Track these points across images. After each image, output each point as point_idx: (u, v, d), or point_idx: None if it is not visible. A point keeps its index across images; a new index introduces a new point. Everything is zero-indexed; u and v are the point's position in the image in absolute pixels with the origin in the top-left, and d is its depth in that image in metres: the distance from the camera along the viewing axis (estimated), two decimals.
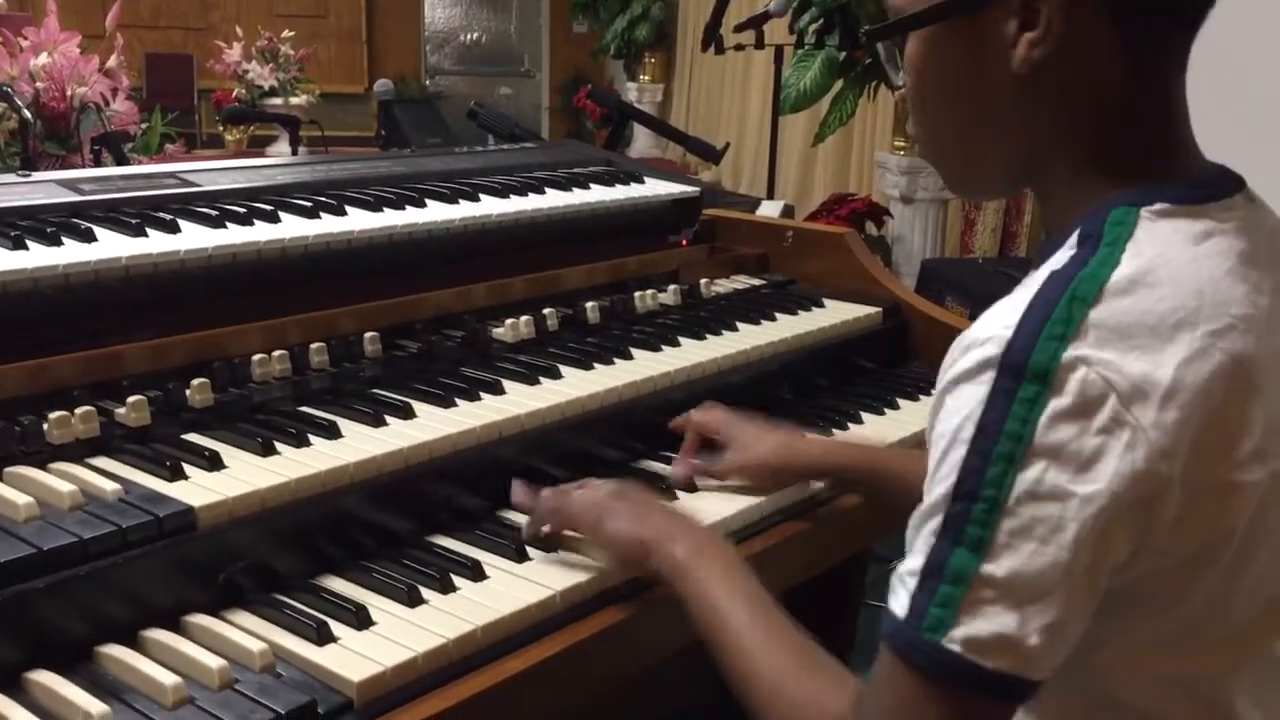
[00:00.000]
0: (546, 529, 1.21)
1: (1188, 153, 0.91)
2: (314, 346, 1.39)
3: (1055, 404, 0.77)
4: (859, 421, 1.61)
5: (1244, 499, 0.81)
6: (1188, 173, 0.90)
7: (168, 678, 0.94)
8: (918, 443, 1.55)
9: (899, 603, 0.82)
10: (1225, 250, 0.84)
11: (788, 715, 0.92)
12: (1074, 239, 0.86)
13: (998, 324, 0.81)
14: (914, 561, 0.82)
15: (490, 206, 1.73)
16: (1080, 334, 0.78)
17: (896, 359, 1.87)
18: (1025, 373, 0.78)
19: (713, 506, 1.32)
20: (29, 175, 1.59)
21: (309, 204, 1.57)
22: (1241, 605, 0.85)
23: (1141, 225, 0.84)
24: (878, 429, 1.59)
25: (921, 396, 1.71)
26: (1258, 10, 2.21)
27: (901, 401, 1.69)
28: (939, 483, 0.81)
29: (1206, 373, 0.79)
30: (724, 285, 1.93)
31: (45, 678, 0.94)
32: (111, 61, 2.97)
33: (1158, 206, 0.85)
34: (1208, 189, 0.88)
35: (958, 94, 0.93)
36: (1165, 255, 0.83)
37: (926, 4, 0.91)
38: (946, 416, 0.82)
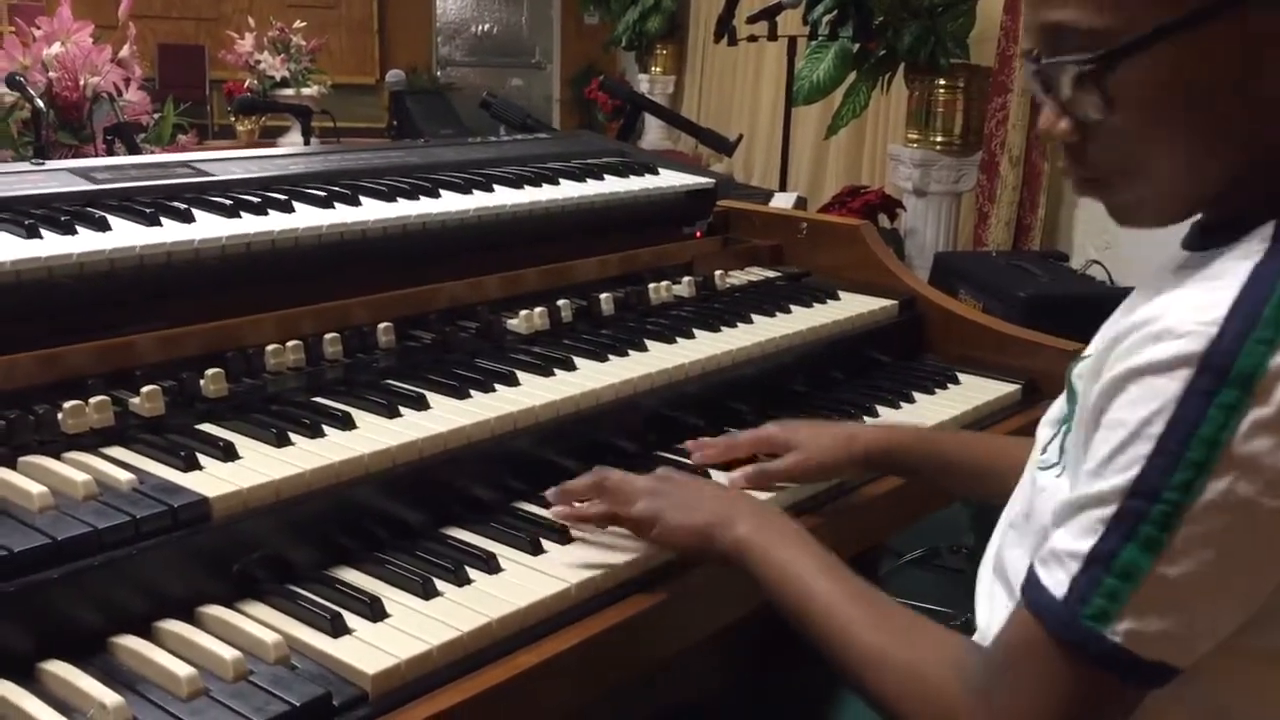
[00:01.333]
0: (589, 509, 1.19)
1: None
2: (328, 337, 1.39)
3: (1257, 413, 0.75)
4: (874, 415, 1.60)
5: None
6: None
7: (182, 669, 0.93)
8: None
9: (1056, 581, 0.81)
10: None
11: (899, 678, 0.91)
12: (1269, 231, 0.82)
13: (1197, 318, 0.77)
14: (1076, 544, 0.80)
15: (504, 197, 1.72)
16: None
17: (912, 352, 1.86)
18: (1228, 377, 0.75)
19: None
20: (42, 164, 1.59)
21: (323, 194, 1.57)
22: None
23: None
24: (899, 423, 1.58)
25: (937, 390, 1.70)
26: None
27: (918, 395, 1.67)
28: (1114, 472, 0.79)
29: None
30: (738, 277, 1.92)
31: (59, 668, 0.93)
32: (124, 51, 2.97)
33: None
34: None
35: (1185, 114, 0.85)
36: None
37: (1179, 11, 0.82)
38: (1130, 405, 0.79)
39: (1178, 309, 0.79)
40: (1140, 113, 0.86)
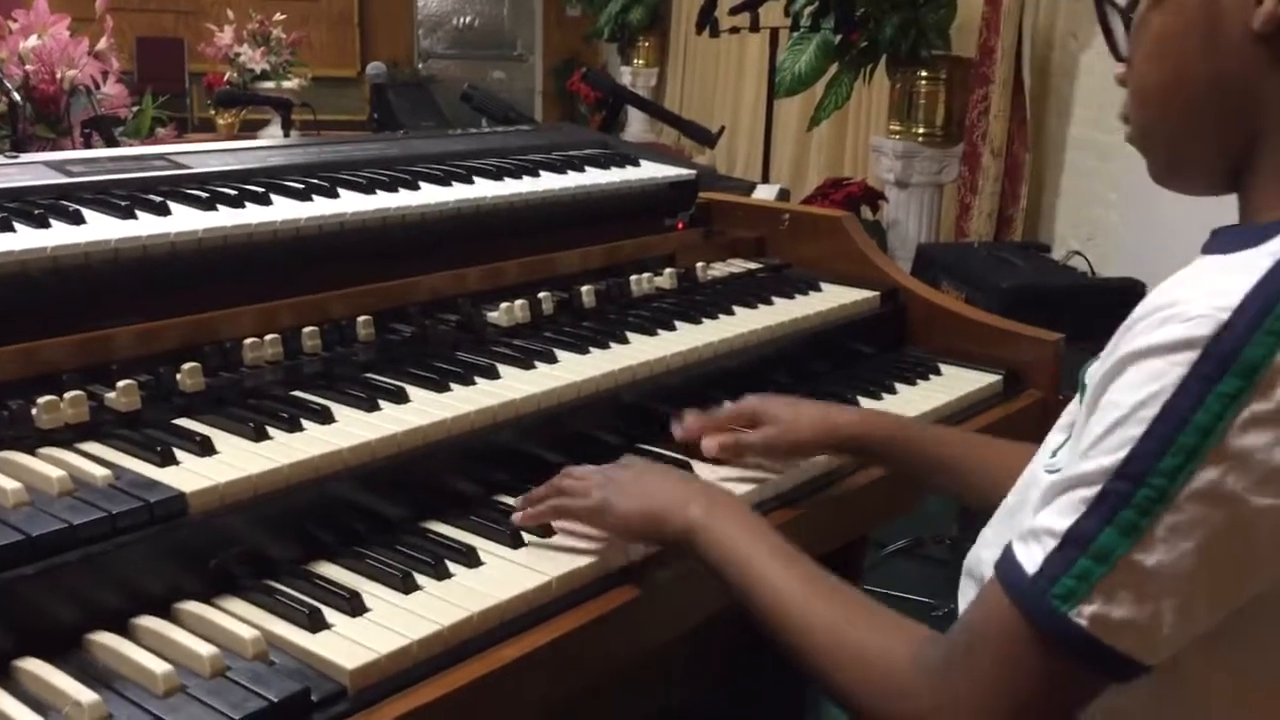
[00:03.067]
0: (541, 507, 1.18)
1: None
2: (306, 330, 1.38)
3: (1256, 406, 0.73)
4: (856, 406, 1.60)
5: None
6: None
7: (159, 666, 0.92)
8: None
9: (1029, 557, 0.80)
10: None
11: (854, 665, 0.90)
12: None
13: (1210, 303, 0.75)
14: (1055, 522, 0.79)
15: (484, 189, 1.71)
16: None
17: (893, 343, 1.86)
18: (1233, 366, 0.73)
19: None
20: (17, 157, 1.57)
21: (301, 186, 1.55)
22: None
23: None
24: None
25: (919, 381, 1.70)
26: None
27: (899, 386, 1.67)
28: (1102, 452, 0.77)
29: None
30: (720, 269, 1.92)
31: (34, 666, 0.92)
32: (101, 44, 2.94)
33: None
34: None
35: (1182, 60, 0.85)
36: None
37: None
38: (1127, 387, 0.77)
39: (1188, 291, 0.77)
40: (1149, 62, 0.87)
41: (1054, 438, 1.01)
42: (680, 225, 2.02)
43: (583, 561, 1.14)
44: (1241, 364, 0.73)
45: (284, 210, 1.48)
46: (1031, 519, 0.82)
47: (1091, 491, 0.78)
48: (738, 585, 1.01)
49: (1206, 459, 0.74)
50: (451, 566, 1.11)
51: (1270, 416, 0.73)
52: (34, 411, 1.13)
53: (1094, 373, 0.84)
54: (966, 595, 1.03)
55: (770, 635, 0.97)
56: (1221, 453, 0.73)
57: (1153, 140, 0.92)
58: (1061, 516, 0.79)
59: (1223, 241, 0.85)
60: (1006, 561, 0.82)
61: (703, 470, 1.36)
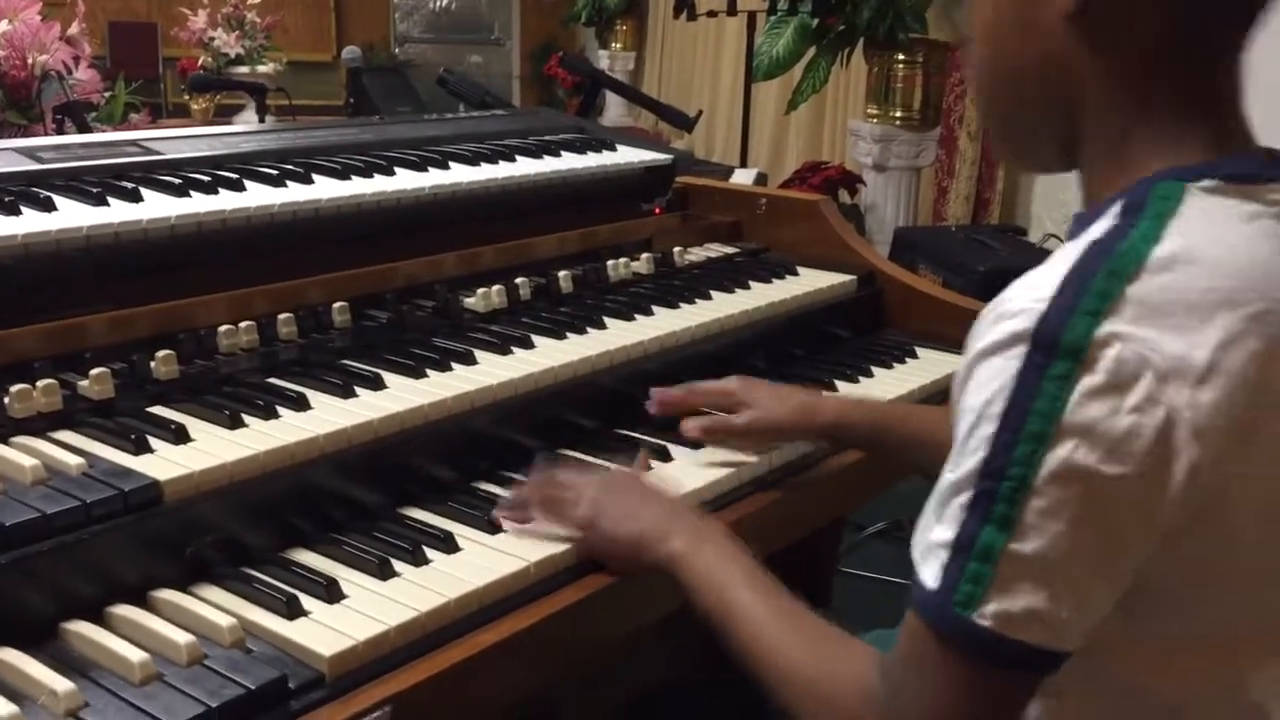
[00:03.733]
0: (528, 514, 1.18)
1: (1243, 133, 0.88)
2: (282, 317, 1.37)
3: (1087, 381, 0.75)
4: (832, 389, 1.60)
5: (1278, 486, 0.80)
6: (1241, 152, 0.86)
7: (135, 654, 0.92)
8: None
9: (930, 573, 0.81)
10: (1275, 233, 0.82)
11: (807, 691, 0.92)
12: (1116, 209, 0.83)
13: (1030, 296, 0.79)
14: (944, 533, 0.80)
15: (460, 174, 1.70)
16: (1116, 310, 0.76)
17: (871, 326, 1.87)
18: (1058, 349, 0.76)
19: (689, 475, 1.31)
20: None
21: (275, 172, 1.55)
22: (1272, 600, 0.84)
23: (1188, 200, 0.81)
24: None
25: (895, 364, 1.71)
26: None
27: (876, 369, 1.68)
28: (968, 456, 0.79)
29: (1244, 356, 0.77)
30: (697, 254, 1.92)
31: (10, 655, 0.92)
32: (73, 29, 2.92)
33: (1207, 183, 0.82)
34: (1262, 170, 0.85)
35: (1004, 39, 0.90)
36: (1211, 233, 0.80)
37: None
38: (976, 389, 0.80)
39: (1017, 289, 0.81)
40: (980, 41, 0.92)
41: None
42: (657, 210, 2.02)
43: (561, 547, 1.14)
44: (1065, 346, 0.76)
45: (258, 196, 1.47)
46: (924, 534, 0.83)
47: (966, 496, 0.79)
48: (714, 614, 1.03)
49: (1053, 440, 0.76)
50: (429, 553, 1.11)
51: (1101, 387, 0.75)
52: (6, 400, 1.12)
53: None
54: None
55: (743, 662, 0.98)
56: (1066, 431, 0.75)
57: (989, 120, 0.97)
58: (947, 527, 0.80)
59: (1072, 229, 0.89)
60: (914, 584, 0.83)
61: (681, 454, 1.36)
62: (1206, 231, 0.80)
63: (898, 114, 5.02)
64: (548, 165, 1.83)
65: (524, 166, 1.80)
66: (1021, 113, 0.93)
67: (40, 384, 1.14)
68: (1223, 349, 0.76)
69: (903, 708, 0.84)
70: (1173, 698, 0.86)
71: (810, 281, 1.84)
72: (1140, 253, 0.79)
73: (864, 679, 0.87)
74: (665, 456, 1.35)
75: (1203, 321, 0.77)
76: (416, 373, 1.33)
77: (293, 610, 1.00)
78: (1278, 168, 0.87)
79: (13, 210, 1.29)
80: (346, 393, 1.26)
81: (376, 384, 1.29)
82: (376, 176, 1.62)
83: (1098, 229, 0.82)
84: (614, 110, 7.88)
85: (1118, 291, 0.77)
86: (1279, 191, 0.84)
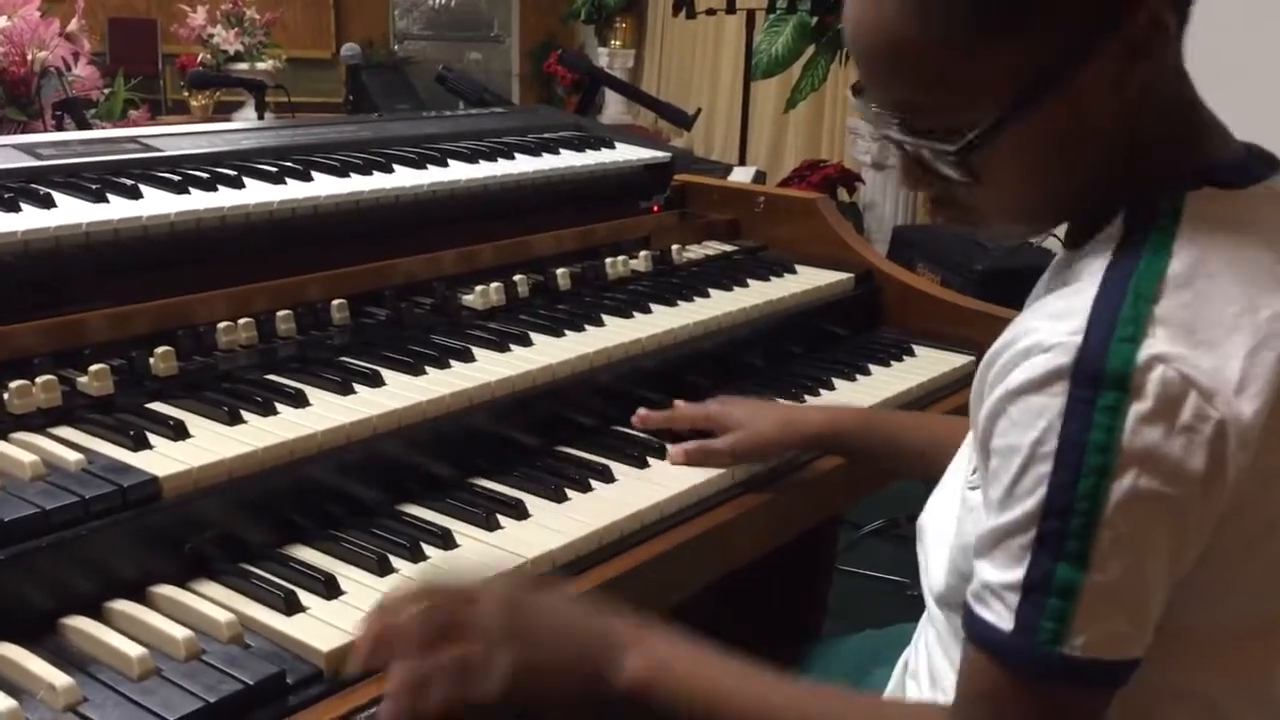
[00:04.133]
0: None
1: (1221, 134, 0.90)
2: (281, 314, 1.38)
3: (1137, 408, 0.76)
4: (831, 388, 1.61)
5: None
6: (1224, 154, 0.88)
7: (133, 649, 0.92)
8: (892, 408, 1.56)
9: (998, 617, 0.81)
10: (1272, 230, 0.84)
11: None
12: (1116, 227, 0.85)
13: (1061, 330, 0.79)
14: (1005, 575, 0.81)
15: (459, 172, 1.71)
16: (1150, 333, 0.77)
17: (868, 325, 1.87)
18: (1104, 380, 0.76)
19: (683, 474, 1.31)
20: None
21: (274, 169, 1.55)
22: None
23: (1189, 211, 0.83)
24: (854, 395, 1.59)
25: (893, 362, 1.72)
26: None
27: (873, 367, 1.68)
28: (1022, 497, 0.79)
29: (1273, 359, 0.79)
30: (695, 251, 1.92)
31: (8, 650, 0.92)
32: (73, 25, 2.92)
33: (1202, 191, 0.84)
34: (1245, 171, 0.87)
35: (1049, 171, 0.87)
36: (1215, 241, 0.82)
37: (1020, 85, 0.82)
38: (1017, 430, 0.80)
39: (1041, 323, 0.81)
40: (1005, 181, 0.88)
41: (967, 450, 1.04)
42: (656, 208, 2.02)
43: (558, 543, 1.15)
44: (1110, 376, 0.76)
45: (257, 193, 1.48)
46: (978, 575, 0.84)
47: (1028, 537, 0.79)
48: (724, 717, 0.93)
49: (1116, 471, 0.76)
50: (427, 549, 1.12)
51: (1152, 412, 0.76)
52: (5, 396, 1.13)
53: (974, 409, 0.88)
54: (921, 559, 1.06)
55: None
56: (1126, 460, 0.76)
57: (1033, 228, 0.96)
58: (1010, 570, 0.81)
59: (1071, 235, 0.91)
60: (979, 627, 0.83)
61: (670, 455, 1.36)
62: (1211, 240, 0.82)
63: None
64: (546, 163, 1.84)
65: (522, 164, 1.81)
66: (1051, 212, 0.93)
67: (40, 380, 1.14)
68: (1252, 356, 0.78)
69: None
70: (1209, 695, 0.87)
71: (808, 280, 1.84)
72: (1156, 272, 0.80)
73: None
74: (660, 455, 1.35)
75: (1230, 331, 0.78)
76: (415, 370, 1.33)
77: (291, 606, 1.00)
78: (1260, 165, 0.89)
79: (12, 207, 1.29)
80: (345, 390, 1.26)
81: (375, 381, 1.29)
82: (375, 174, 1.62)
83: (1102, 249, 0.83)
84: (613, 108, 7.87)
85: (1146, 314, 0.78)
86: (1270, 188, 0.86)
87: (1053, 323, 0.80)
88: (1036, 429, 0.78)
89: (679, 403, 1.42)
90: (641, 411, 1.40)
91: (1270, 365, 0.78)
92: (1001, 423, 0.81)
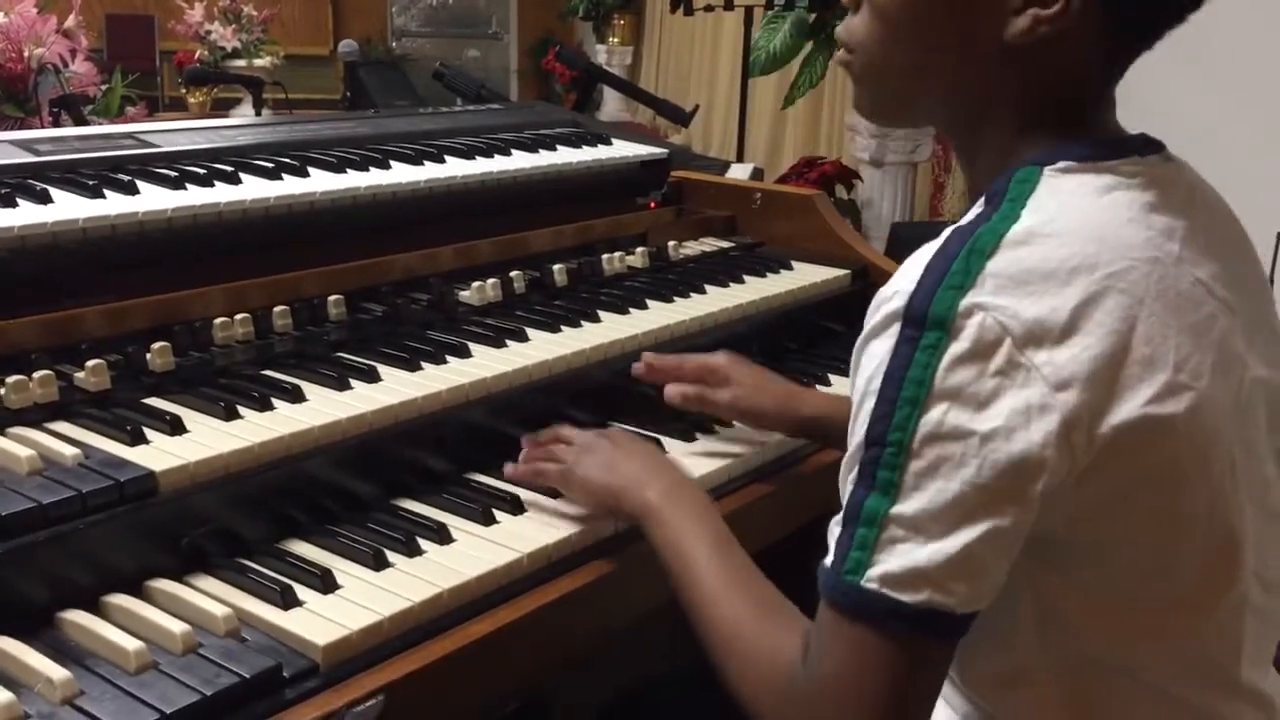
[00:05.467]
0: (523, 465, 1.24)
1: (1103, 120, 0.92)
2: (277, 309, 1.38)
3: (954, 349, 0.79)
4: (827, 384, 1.61)
5: (1163, 434, 0.81)
6: (1098, 135, 0.91)
7: (130, 643, 0.93)
8: None
9: (830, 551, 0.84)
10: (1129, 201, 0.86)
11: (743, 661, 0.93)
12: (982, 200, 0.89)
13: (903, 280, 0.83)
14: (841, 513, 0.84)
15: (455, 168, 1.71)
16: (977, 283, 0.80)
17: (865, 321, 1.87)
18: (926, 321, 0.80)
19: (685, 470, 1.31)
20: None
21: (270, 165, 1.55)
22: (1193, 549, 0.86)
23: (1044, 182, 0.87)
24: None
25: None
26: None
27: None
28: (855, 435, 0.83)
29: (1105, 312, 0.80)
30: (692, 248, 1.92)
31: (6, 643, 0.93)
32: (69, 22, 2.92)
33: (1061, 164, 0.87)
34: (1114, 148, 0.89)
35: (935, 35, 0.91)
36: (1065, 206, 0.85)
37: None
38: (861, 371, 0.85)
39: (894, 277, 0.85)
40: (898, 11, 0.91)
41: None
42: (653, 204, 2.03)
43: (554, 538, 1.15)
44: (933, 318, 0.80)
45: (254, 189, 1.48)
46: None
47: (854, 471, 0.83)
48: (673, 569, 1.04)
49: (926, 404, 0.79)
50: (423, 544, 1.12)
51: (966, 354, 0.79)
52: (2, 391, 1.13)
53: None
54: None
55: (692, 622, 0.99)
56: (936, 395, 0.79)
57: (885, 75, 0.96)
58: (843, 504, 0.84)
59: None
60: (819, 564, 0.85)
61: (673, 446, 1.37)
62: (1061, 205, 0.85)
63: None
64: (543, 159, 1.84)
65: (519, 160, 1.81)
66: (916, 96, 0.96)
67: (36, 375, 1.15)
68: (1082, 307, 0.80)
69: (814, 680, 0.85)
70: (1140, 668, 0.88)
71: (804, 276, 1.85)
72: (999, 231, 0.83)
73: (795, 652, 0.88)
74: (659, 448, 1.36)
75: (1061, 285, 0.81)
76: (411, 365, 1.33)
77: (287, 600, 1.01)
78: (1136, 145, 0.90)
79: (9, 203, 1.30)
80: (341, 385, 1.26)
81: (371, 376, 1.29)
82: (372, 170, 1.63)
83: (965, 217, 0.87)
84: (611, 104, 7.87)
85: (978, 268, 0.81)
86: (1136, 164, 0.88)
87: (898, 277, 0.84)
88: (871, 367, 0.83)
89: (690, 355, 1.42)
90: (647, 356, 1.40)
91: (1101, 316, 0.80)
92: (856, 372, 0.86)
